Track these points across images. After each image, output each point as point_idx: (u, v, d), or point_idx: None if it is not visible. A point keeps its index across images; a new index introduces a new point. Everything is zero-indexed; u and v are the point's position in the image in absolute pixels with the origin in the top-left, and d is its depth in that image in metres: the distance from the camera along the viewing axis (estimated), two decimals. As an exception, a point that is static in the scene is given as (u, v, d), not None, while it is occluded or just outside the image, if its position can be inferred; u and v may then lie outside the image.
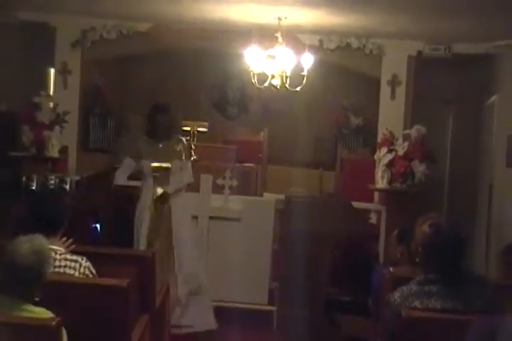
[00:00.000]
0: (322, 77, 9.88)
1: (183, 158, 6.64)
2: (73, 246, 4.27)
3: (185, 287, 6.52)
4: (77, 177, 8.21)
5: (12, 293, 3.38)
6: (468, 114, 10.31)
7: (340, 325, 5.41)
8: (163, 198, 6.55)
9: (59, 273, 4.02)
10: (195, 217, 7.09)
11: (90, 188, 8.17)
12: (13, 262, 3.39)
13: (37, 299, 3.43)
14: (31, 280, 3.40)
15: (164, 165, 6.52)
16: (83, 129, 10.29)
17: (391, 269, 4.58)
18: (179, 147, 6.63)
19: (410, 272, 4.37)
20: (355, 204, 7.98)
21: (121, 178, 6.84)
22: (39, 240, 3.51)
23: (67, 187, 7.71)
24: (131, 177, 8.70)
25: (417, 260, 4.19)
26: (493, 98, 9.37)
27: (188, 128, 8.74)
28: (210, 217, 7.24)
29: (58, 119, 8.43)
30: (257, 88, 8.40)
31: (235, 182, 7.39)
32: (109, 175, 8.66)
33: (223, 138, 11.44)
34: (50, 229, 4.12)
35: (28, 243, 3.44)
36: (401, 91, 9.43)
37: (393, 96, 9.43)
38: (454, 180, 10.60)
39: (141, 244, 6.52)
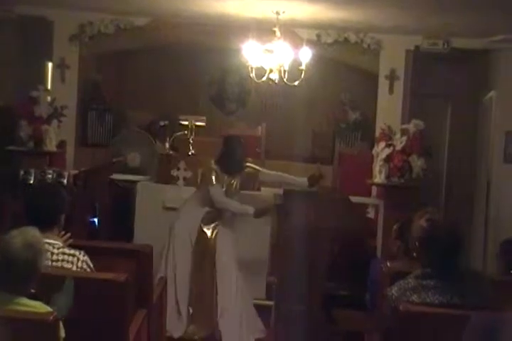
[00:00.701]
0: (320, 72, 9.87)
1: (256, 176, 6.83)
2: (71, 240, 4.26)
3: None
4: (75, 172, 8.20)
5: (7, 288, 3.36)
6: (466, 109, 10.30)
7: (337, 320, 5.42)
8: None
9: (56, 267, 4.02)
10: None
11: (88, 182, 8.17)
12: (6, 257, 3.36)
13: (33, 291, 3.41)
14: (26, 274, 3.38)
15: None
16: (81, 124, 10.29)
17: (388, 263, 4.58)
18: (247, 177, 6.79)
19: (408, 266, 4.37)
20: (353, 198, 7.99)
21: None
22: (31, 232, 3.47)
23: (65, 181, 7.70)
24: (129, 172, 8.75)
25: (414, 254, 4.20)
26: (491, 93, 9.36)
27: (186, 123, 8.72)
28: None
29: (56, 113, 8.41)
30: (255, 82, 8.39)
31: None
32: (107, 169, 8.69)
33: (221, 132, 11.42)
34: (47, 223, 4.11)
35: (20, 236, 3.40)
36: (399, 86, 9.42)
37: (391, 90, 9.43)
38: (452, 175, 10.60)
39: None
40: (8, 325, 3.16)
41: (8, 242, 3.38)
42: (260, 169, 6.85)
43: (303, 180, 6.90)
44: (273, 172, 6.97)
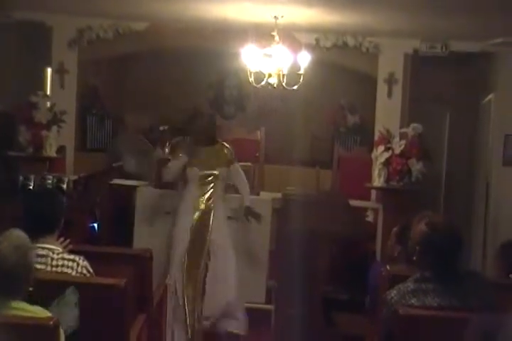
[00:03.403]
0: (319, 76, 9.89)
1: (231, 163, 6.53)
2: (71, 245, 4.26)
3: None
4: (75, 177, 8.21)
5: (1, 292, 3.32)
6: (465, 113, 10.33)
7: (337, 323, 5.41)
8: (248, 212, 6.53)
9: (56, 272, 4.02)
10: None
11: (88, 188, 8.18)
12: None
13: (31, 289, 3.37)
14: (19, 276, 3.32)
15: (213, 172, 6.40)
16: (80, 129, 10.31)
17: (388, 267, 4.58)
18: (224, 153, 6.56)
19: (407, 270, 4.37)
20: (352, 202, 7.99)
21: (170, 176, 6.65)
22: (15, 234, 3.41)
23: (65, 186, 7.70)
24: (128, 177, 8.75)
25: (414, 258, 4.20)
26: (490, 96, 9.38)
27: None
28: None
29: (55, 119, 8.41)
30: (254, 87, 8.40)
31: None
32: (107, 174, 8.70)
33: (220, 136, 11.42)
34: (46, 228, 4.11)
35: (6, 241, 3.35)
36: (397, 89, 9.44)
37: (390, 94, 9.44)
38: (451, 179, 10.62)
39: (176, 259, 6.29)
40: (7, 330, 3.14)
41: None
42: None
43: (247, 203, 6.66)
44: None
